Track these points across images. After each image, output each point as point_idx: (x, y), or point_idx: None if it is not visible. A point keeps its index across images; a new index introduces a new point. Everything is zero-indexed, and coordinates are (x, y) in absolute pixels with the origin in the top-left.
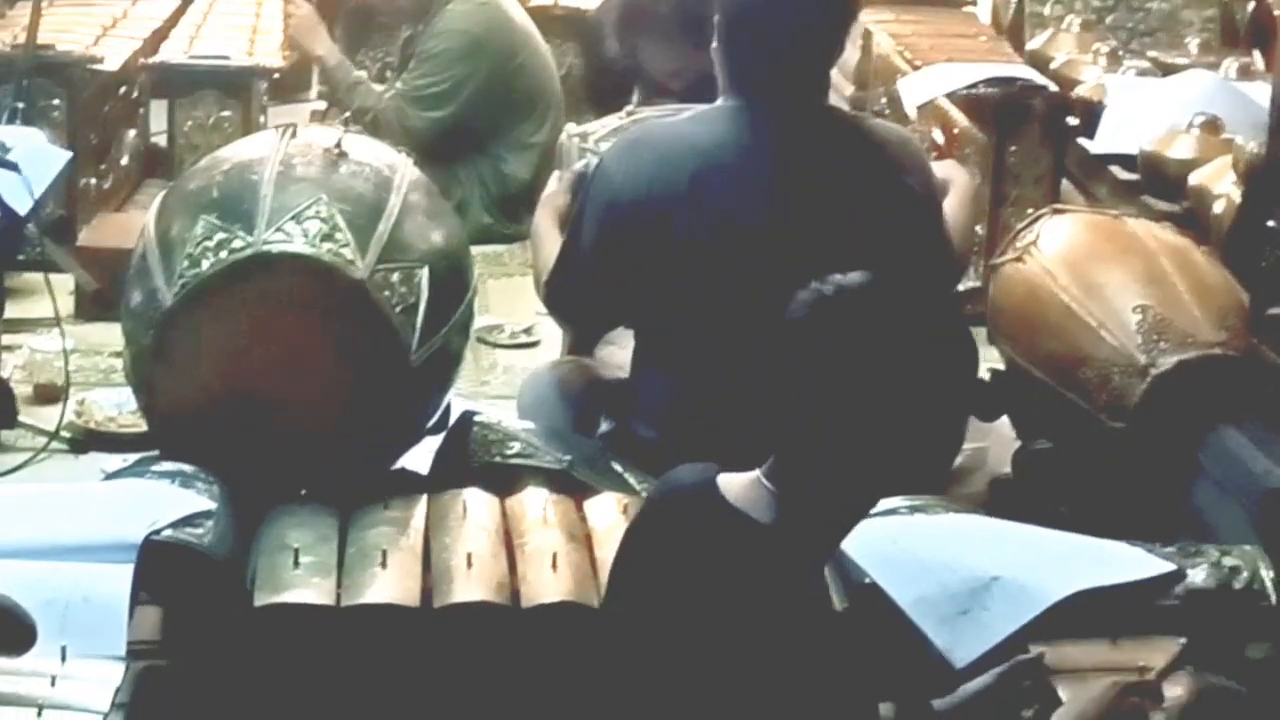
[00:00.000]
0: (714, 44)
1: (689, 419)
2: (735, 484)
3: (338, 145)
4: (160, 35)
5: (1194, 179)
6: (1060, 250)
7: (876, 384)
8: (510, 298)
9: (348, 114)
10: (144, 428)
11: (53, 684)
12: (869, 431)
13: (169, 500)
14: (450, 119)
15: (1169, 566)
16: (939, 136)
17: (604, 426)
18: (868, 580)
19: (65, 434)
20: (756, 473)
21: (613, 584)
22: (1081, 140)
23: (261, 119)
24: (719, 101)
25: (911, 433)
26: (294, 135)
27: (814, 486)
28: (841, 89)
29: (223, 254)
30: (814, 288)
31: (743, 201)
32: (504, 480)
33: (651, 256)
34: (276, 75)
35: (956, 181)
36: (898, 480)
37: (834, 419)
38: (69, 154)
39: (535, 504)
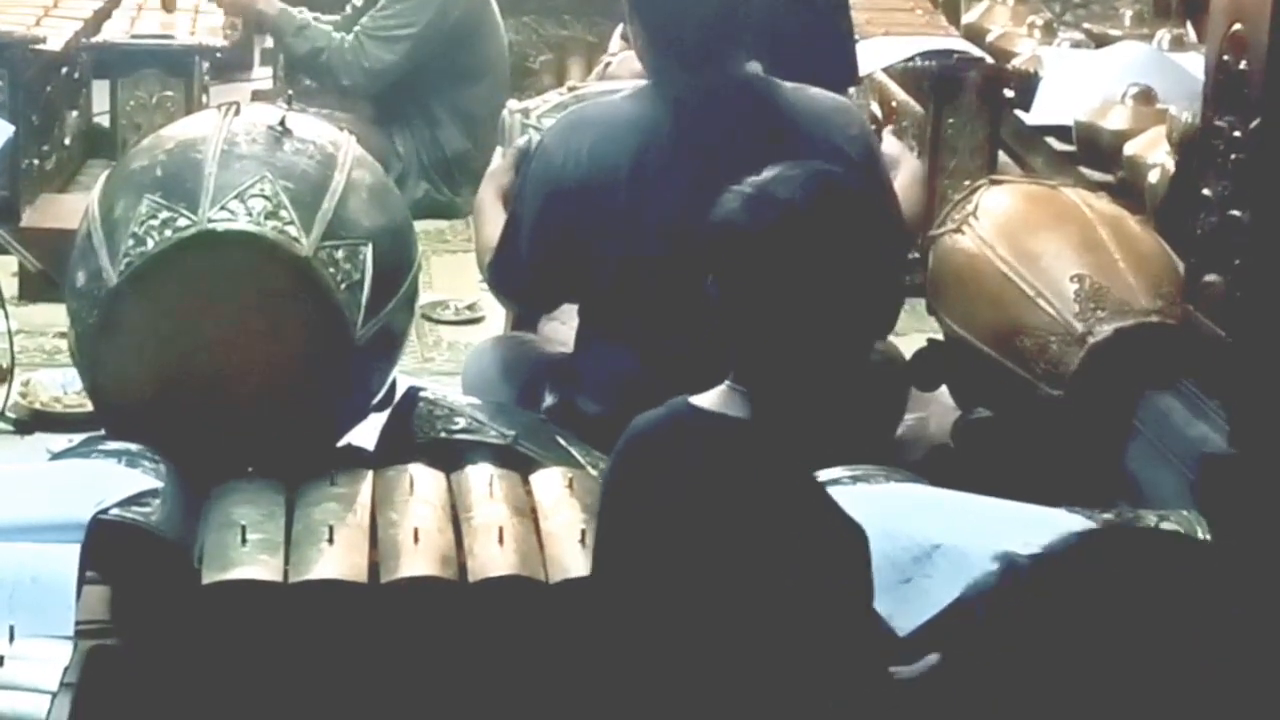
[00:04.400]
0: (634, 26)
1: (634, 393)
2: (708, 397)
3: (281, 123)
4: (102, 15)
5: (1129, 149)
6: (998, 221)
7: (809, 268)
8: (454, 274)
9: (290, 92)
10: (89, 407)
11: (0, 664)
12: (811, 312)
13: (116, 479)
14: (407, 65)
15: None
16: (877, 109)
17: (548, 401)
18: None
19: (10, 415)
20: (725, 383)
21: (604, 528)
22: (1017, 112)
23: (204, 98)
24: (651, 80)
25: (851, 308)
26: (237, 113)
27: (776, 374)
28: None
29: (167, 233)
30: (734, 188)
31: (684, 177)
32: (450, 455)
33: (594, 235)
34: (219, 54)
35: (905, 161)
36: (852, 356)
37: (777, 300)
38: (11, 127)
39: (481, 479)
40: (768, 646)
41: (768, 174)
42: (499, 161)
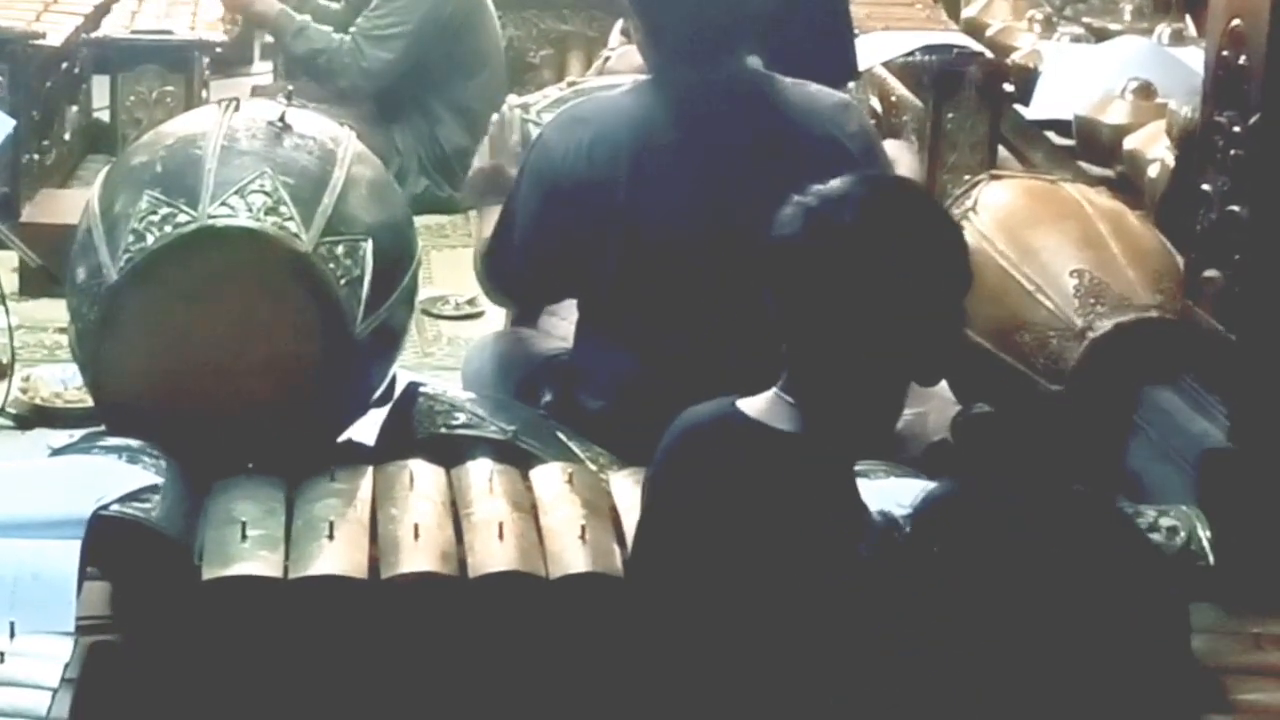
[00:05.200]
0: (635, 22)
1: (634, 390)
2: (754, 404)
3: (281, 119)
4: (102, 10)
5: (1128, 144)
6: (997, 215)
7: (872, 279)
8: (454, 269)
9: (290, 87)
10: (90, 403)
11: (1, 660)
12: (871, 327)
13: (116, 475)
14: (404, 63)
15: None
16: (877, 104)
17: (548, 397)
18: None
19: (10, 410)
20: (773, 390)
21: (645, 529)
22: (1017, 106)
23: (204, 94)
24: (651, 75)
25: (911, 325)
26: (237, 109)
27: (830, 390)
28: None
29: (167, 229)
30: (798, 202)
31: (684, 174)
32: (450, 451)
33: (593, 233)
34: (219, 49)
35: (903, 163)
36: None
37: (836, 320)
38: (11, 122)
39: (481, 474)
40: (807, 654)
41: (830, 188)
42: (485, 157)
